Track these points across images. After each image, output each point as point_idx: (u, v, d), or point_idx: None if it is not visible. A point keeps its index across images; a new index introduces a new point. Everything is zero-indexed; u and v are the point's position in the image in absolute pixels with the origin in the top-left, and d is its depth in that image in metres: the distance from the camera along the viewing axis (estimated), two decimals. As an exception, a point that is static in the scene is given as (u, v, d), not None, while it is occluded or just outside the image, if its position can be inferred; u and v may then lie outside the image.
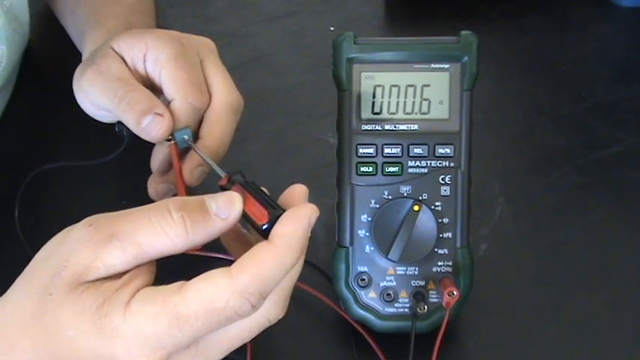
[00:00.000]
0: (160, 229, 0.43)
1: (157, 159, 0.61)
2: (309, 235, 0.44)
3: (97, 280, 0.43)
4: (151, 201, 0.61)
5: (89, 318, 0.42)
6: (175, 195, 0.60)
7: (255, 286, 0.42)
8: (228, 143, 0.60)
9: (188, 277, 0.45)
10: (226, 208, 0.44)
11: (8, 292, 0.45)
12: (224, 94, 0.60)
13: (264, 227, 0.45)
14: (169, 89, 0.58)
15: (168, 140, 0.57)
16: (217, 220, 0.44)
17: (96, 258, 0.42)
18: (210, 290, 0.41)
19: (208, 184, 0.49)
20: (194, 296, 0.41)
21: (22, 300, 0.43)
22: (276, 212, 0.45)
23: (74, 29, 0.75)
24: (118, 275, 0.43)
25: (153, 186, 0.62)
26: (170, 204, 0.43)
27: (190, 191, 0.57)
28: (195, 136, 0.59)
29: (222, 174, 0.48)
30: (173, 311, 0.41)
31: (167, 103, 0.58)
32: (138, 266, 0.43)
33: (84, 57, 0.67)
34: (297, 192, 0.48)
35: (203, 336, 0.43)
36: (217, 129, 0.59)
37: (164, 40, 0.59)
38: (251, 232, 0.48)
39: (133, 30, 0.63)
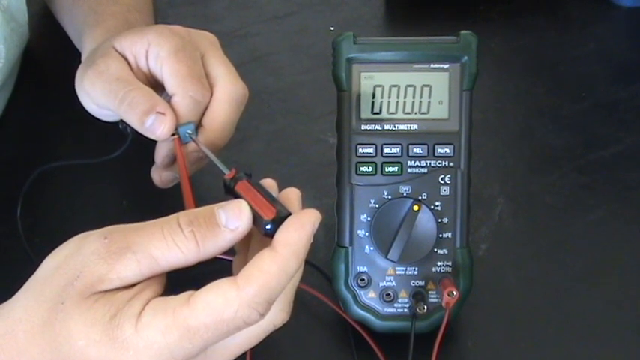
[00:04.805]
0: (173, 243, 0.43)
1: (161, 154, 0.61)
2: (312, 240, 0.44)
3: (110, 290, 0.43)
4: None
5: (101, 328, 0.42)
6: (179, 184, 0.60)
7: (263, 296, 0.42)
8: (231, 133, 0.60)
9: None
10: (235, 218, 0.44)
11: (16, 297, 0.45)
12: (226, 84, 0.60)
13: (268, 227, 0.45)
14: (170, 84, 0.58)
15: (172, 135, 0.57)
16: (227, 232, 0.44)
17: (110, 270, 0.43)
18: (219, 302, 0.42)
19: (214, 182, 0.49)
20: (203, 308, 0.42)
21: (32, 307, 0.43)
22: (283, 211, 0.45)
23: (72, 29, 0.75)
24: (130, 285, 0.43)
25: (158, 173, 0.62)
26: (181, 218, 0.44)
27: (194, 184, 0.57)
28: (198, 128, 0.59)
29: (225, 170, 0.48)
30: (183, 323, 0.42)
31: (169, 99, 0.58)
32: (149, 277, 0.44)
33: (83, 56, 0.67)
34: (293, 196, 0.48)
35: (212, 345, 0.44)
36: (219, 118, 0.59)
37: (165, 36, 0.59)
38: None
39: (135, 28, 0.63)
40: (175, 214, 0.44)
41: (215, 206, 0.44)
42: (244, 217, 0.44)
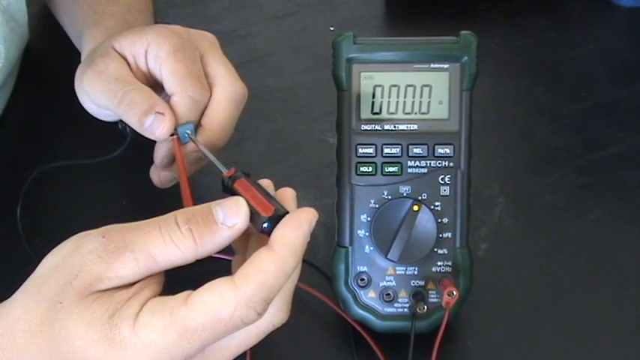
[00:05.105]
0: (170, 241, 0.43)
1: (160, 154, 0.61)
2: (309, 239, 0.44)
3: (108, 289, 0.43)
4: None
5: (100, 328, 0.42)
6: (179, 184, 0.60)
7: (260, 295, 0.42)
8: (230, 133, 0.60)
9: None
10: (233, 215, 0.44)
11: (14, 297, 0.45)
12: (225, 84, 0.60)
13: (265, 225, 0.45)
14: (169, 84, 0.58)
15: (171, 135, 0.57)
16: (224, 229, 0.44)
17: (108, 269, 0.43)
18: (217, 302, 0.42)
19: (213, 182, 0.49)
20: (201, 308, 0.42)
21: (30, 306, 0.43)
22: (281, 209, 0.45)
23: (72, 28, 0.75)
24: (129, 284, 0.43)
25: (157, 173, 0.62)
26: (178, 216, 0.44)
27: (193, 184, 0.57)
28: (197, 128, 0.59)
29: (224, 169, 0.48)
30: (181, 324, 0.42)
31: (168, 99, 0.58)
32: (148, 276, 0.44)
33: (83, 56, 0.67)
34: (288, 196, 0.48)
35: (211, 344, 0.44)
36: (218, 118, 0.59)
37: (164, 36, 0.59)
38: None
39: (134, 28, 0.63)
40: (173, 212, 0.44)
41: (212, 204, 0.44)
42: (242, 214, 0.44)
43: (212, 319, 0.42)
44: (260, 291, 0.42)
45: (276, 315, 0.46)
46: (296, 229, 0.44)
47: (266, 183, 0.48)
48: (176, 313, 0.42)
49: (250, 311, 0.42)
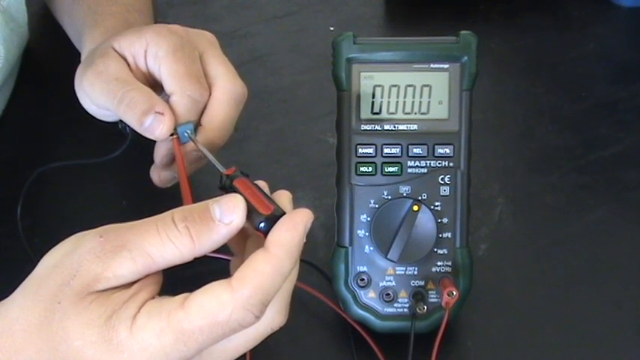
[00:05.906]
0: (167, 239, 0.43)
1: (160, 154, 0.61)
2: (305, 240, 0.44)
3: (106, 290, 0.43)
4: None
5: (97, 330, 0.42)
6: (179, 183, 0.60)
7: (257, 297, 0.42)
8: (230, 132, 0.60)
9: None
10: (230, 212, 0.44)
11: (13, 296, 0.45)
12: (225, 84, 0.60)
13: (262, 225, 0.45)
14: (168, 83, 0.58)
15: (171, 135, 0.57)
16: (221, 226, 0.44)
17: (106, 268, 0.43)
18: (214, 305, 0.42)
19: (213, 182, 0.49)
20: (198, 311, 0.42)
21: (28, 306, 0.43)
22: (279, 209, 0.45)
23: (72, 29, 0.76)
24: (127, 285, 0.43)
25: (157, 173, 0.62)
26: (175, 214, 0.44)
27: (193, 183, 0.57)
28: (197, 127, 0.59)
29: (222, 169, 0.48)
30: (178, 327, 0.42)
31: (167, 99, 0.58)
32: (146, 276, 0.44)
33: (83, 57, 0.67)
34: (284, 198, 0.48)
35: (208, 347, 0.43)
36: (218, 117, 0.59)
37: (163, 35, 0.59)
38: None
39: (133, 28, 0.63)
40: (170, 211, 0.44)
41: (210, 201, 0.44)
42: (239, 211, 0.44)
43: (209, 322, 0.42)
44: (257, 293, 0.42)
45: (274, 318, 0.46)
46: (291, 230, 0.44)
47: (261, 184, 0.48)
48: (173, 316, 0.42)
49: (247, 314, 0.42)
